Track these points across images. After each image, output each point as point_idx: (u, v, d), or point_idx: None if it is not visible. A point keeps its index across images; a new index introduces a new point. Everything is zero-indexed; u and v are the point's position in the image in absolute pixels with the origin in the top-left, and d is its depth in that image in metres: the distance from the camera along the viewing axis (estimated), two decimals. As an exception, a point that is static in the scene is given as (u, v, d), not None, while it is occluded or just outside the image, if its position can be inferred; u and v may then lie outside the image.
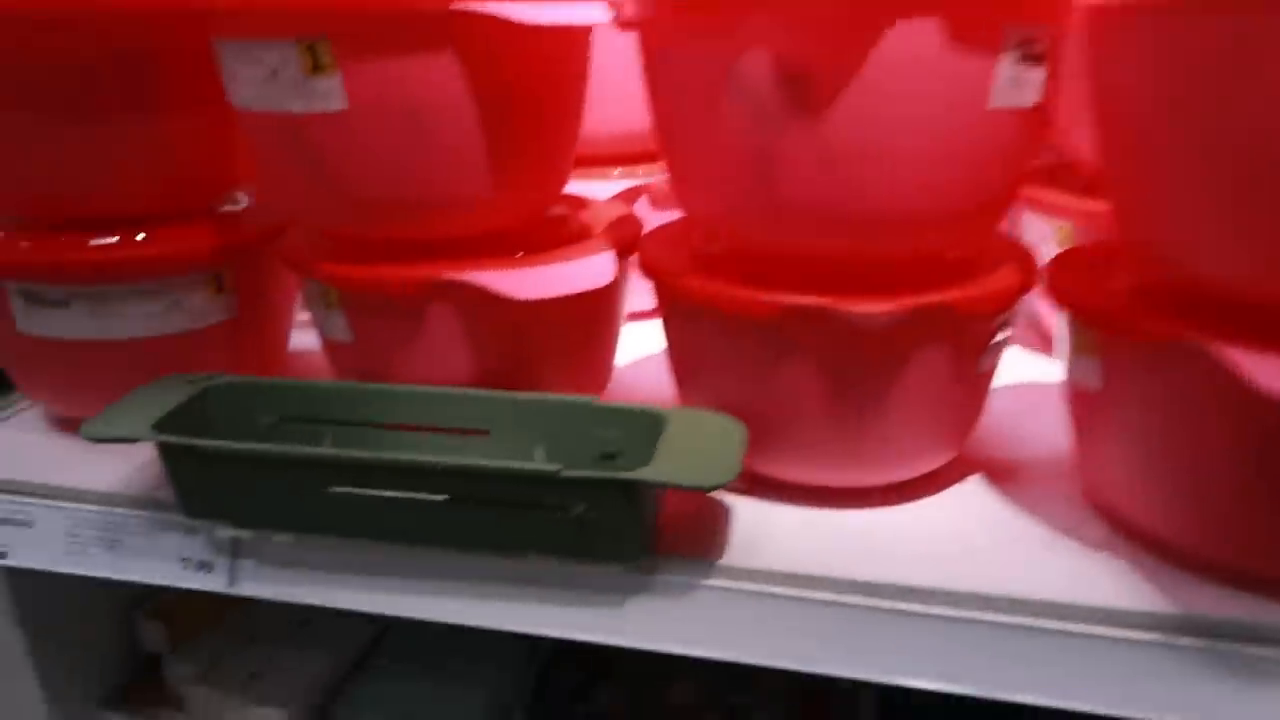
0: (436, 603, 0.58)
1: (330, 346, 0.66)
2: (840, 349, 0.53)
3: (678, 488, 0.49)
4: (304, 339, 0.82)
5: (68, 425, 0.72)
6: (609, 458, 0.58)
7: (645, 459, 0.56)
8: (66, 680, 0.77)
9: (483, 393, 0.60)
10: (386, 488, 0.53)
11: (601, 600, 0.55)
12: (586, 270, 0.58)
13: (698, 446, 0.52)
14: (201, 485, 0.57)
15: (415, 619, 0.59)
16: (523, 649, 0.85)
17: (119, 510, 0.63)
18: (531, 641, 0.86)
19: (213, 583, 0.61)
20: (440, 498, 0.53)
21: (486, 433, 0.60)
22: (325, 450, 0.53)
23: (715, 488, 0.49)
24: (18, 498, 0.64)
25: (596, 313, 0.64)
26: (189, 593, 0.85)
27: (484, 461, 0.51)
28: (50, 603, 0.75)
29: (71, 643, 0.77)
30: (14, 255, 0.63)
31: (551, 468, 0.50)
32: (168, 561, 0.62)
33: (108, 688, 0.82)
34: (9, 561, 0.64)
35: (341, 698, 0.79)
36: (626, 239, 0.63)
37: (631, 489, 0.50)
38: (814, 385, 0.54)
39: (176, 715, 0.80)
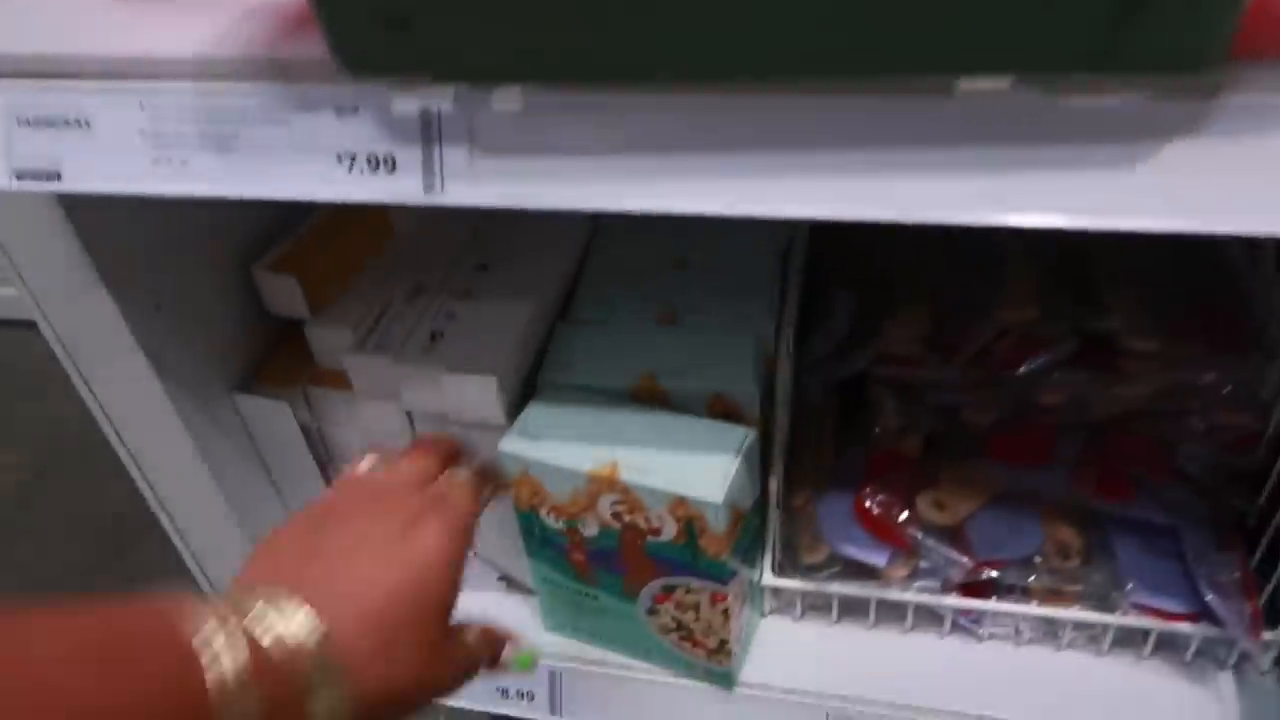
0: (789, 187, 0.34)
1: None
2: None
3: None
4: None
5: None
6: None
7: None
8: (179, 357, 0.56)
9: None
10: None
11: (1125, 150, 0.31)
12: None
13: None
14: (374, 14, 0.32)
15: (693, 218, 0.36)
16: (772, 271, 0.63)
17: (224, 87, 0.38)
18: (783, 261, 0.63)
19: (399, 189, 0.38)
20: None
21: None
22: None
23: None
24: (59, 84, 0.40)
25: None
26: (321, 236, 0.63)
27: None
28: (133, 251, 0.53)
29: (172, 309, 0.56)
30: None
31: None
32: (319, 162, 0.38)
33: (235, 366, 0.62)
34: (65, 185, 0.41)
35: (553, 356, 0.58)
36: None
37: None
38: None
39: (336, 393, 0.61)
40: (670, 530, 0.52)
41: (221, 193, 0.39)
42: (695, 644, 0.58)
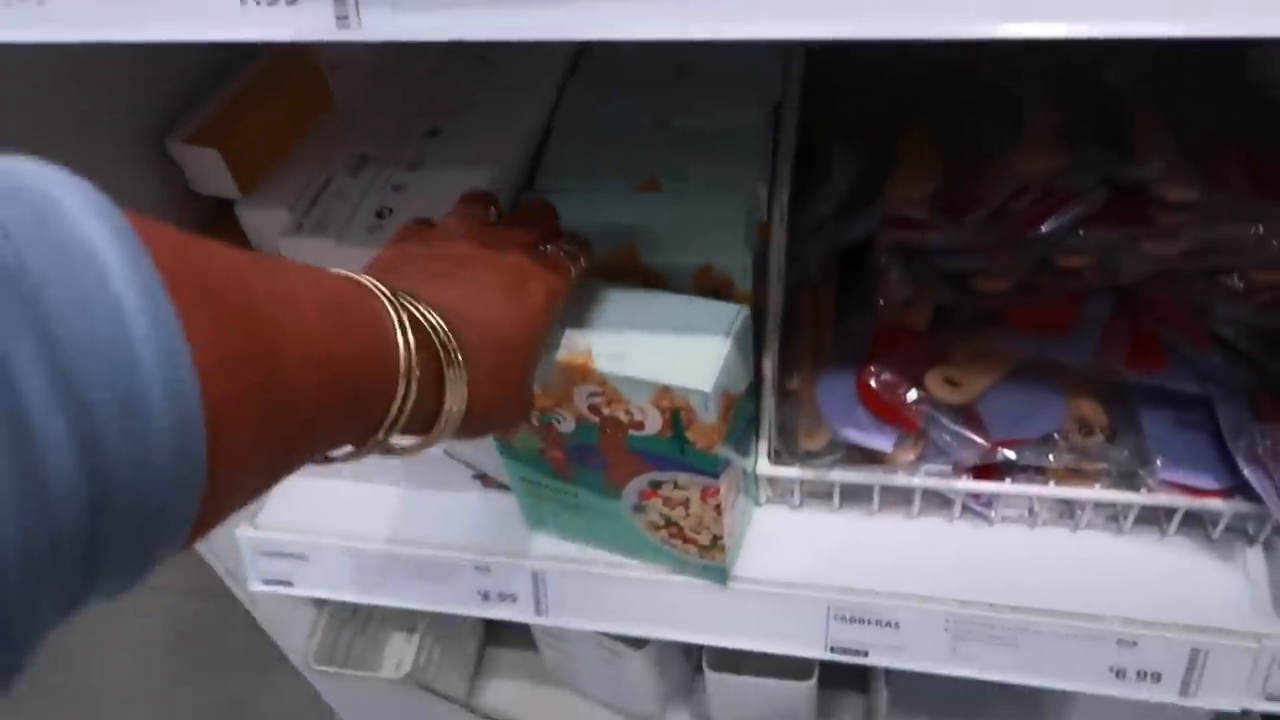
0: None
1: None
2: None
3: None
4: None
5: None
6: None
7: None
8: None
9: None
10: None
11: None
12: None
13: None
14: None
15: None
16: (764, 127, 0.56)
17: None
18: (776, 116, 0.56)
19: (304, 23, 0.31)
20: None
21: None
22: None
23: None
24: None
25: None
26: (246, 101, 0.55)
27: None
28: (18, 123, 0.45)
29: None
30: None
31: None
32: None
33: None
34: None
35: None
36: None
37: None
38: None
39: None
40: (654, 423, 0.46)
41: (86, 37, 0.32)
42: (686, 541, 0.54)
